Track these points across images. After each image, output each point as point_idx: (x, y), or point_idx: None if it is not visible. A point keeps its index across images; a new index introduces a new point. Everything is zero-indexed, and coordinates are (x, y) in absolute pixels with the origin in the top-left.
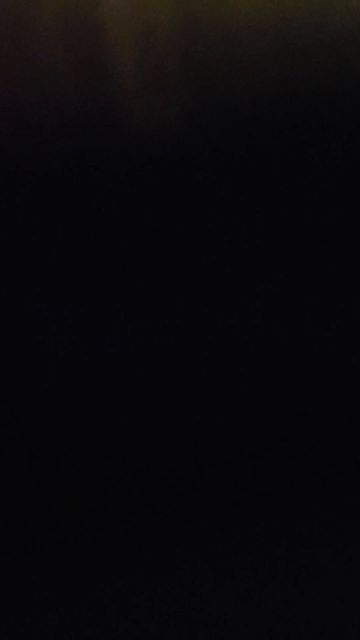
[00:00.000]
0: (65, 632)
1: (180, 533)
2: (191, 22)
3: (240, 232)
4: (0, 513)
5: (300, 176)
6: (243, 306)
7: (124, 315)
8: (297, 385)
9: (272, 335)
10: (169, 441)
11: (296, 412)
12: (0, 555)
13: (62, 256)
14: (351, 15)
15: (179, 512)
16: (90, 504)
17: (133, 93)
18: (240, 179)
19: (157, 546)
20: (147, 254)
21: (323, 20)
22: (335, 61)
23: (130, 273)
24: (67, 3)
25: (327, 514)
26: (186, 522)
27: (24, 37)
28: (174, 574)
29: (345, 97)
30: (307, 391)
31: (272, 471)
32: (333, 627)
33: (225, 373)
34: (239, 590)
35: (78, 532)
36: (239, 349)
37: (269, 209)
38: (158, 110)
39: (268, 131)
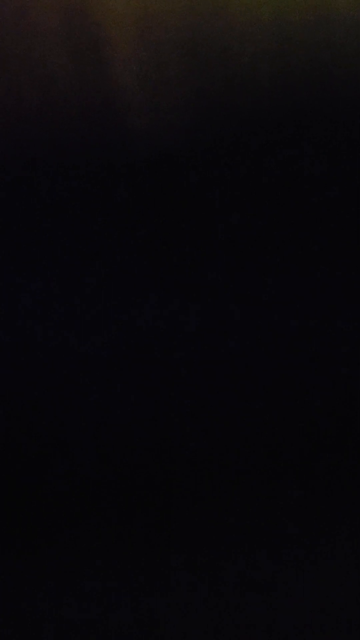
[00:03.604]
0: (65, 631)
1: (179, 532)
2: (192, 16)
3: (240, 229)
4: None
5: (300, 173)
6: (242, 302)
7: (123, 313)
8: (297, 384)
9: (271, 334)
10: (167, 439)
11: (296, 411)
12: (0, 555)
13: (62, 253)
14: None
15: (178, 512)
16: (89, 504)
17: (134, 88)
18: (240, 173)
19: (157, 546)
20: (146, 249)
21: (323, 17)
22: (335, 59)
23: (131, 268)
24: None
25: (325, 514)
26: (185, 521)
27: (24, 31)
28: (171, 572)
29: (344, 96)
30: (306, 390)
31: (271, 473)
32: (332, 625)
33: (223, 367)
34: (238, 589)
35: (77, 532)
36: (239, 347)
37: (270, 207)
38: (159, 104)
39: (268, 125)
